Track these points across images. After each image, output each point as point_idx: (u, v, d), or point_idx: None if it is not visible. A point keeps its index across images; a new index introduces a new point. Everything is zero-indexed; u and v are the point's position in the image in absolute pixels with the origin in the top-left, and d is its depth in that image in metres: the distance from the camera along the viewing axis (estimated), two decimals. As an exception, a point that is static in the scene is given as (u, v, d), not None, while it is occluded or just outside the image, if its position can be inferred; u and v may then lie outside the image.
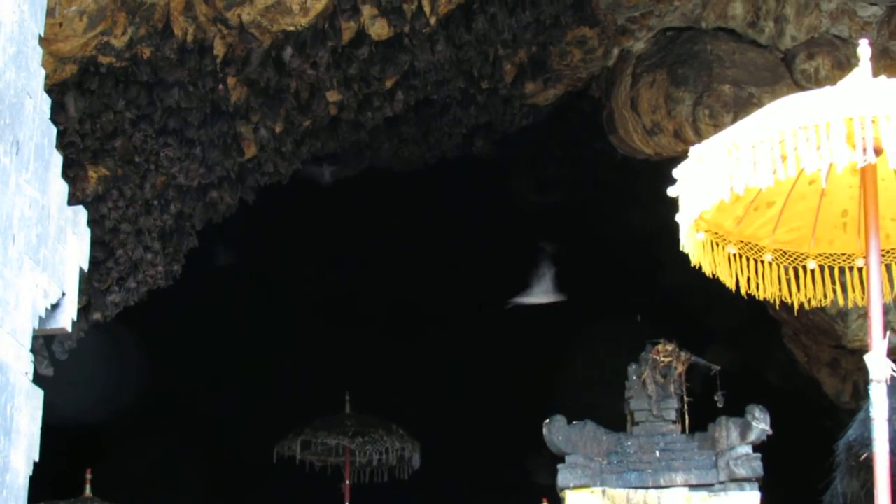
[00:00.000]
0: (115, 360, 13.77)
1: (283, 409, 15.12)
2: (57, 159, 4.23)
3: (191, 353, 16.17)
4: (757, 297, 6.25)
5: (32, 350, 4.01)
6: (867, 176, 5.42)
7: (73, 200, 4.36)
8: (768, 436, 9.57)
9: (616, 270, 15.24)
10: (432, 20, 10.13)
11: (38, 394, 3.99)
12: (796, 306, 6.23)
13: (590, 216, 15.48)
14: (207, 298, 15.73)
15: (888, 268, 6.10)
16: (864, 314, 11.19)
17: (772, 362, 15.10)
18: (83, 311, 10.34)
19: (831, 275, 6.17)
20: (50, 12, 7.37)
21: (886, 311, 5.56)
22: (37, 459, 3.91)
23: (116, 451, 13.04)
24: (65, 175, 4.28)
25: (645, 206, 12.93)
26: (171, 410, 16.22)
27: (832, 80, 5.70)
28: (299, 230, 15.58)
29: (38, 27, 4.18)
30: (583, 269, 15.52)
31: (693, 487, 9.37)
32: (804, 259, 6.15)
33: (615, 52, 11.96)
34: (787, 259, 6.15)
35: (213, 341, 16.36)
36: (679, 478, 9.41)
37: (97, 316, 10.65)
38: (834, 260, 6.17)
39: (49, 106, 4.21)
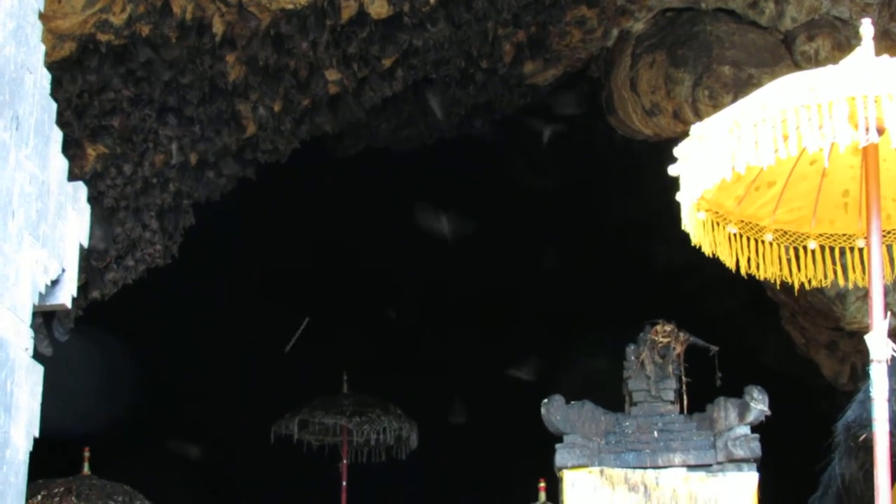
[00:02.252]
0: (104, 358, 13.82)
1: (280, 390, 15.15)
2: (57, 135, 4.22)
3: (185, 335, 16.17)
4: (757, 278, 6.25)
5: (32, 327, 4.01)
6: (869, 156, 5.41)
7: (71, 178, 4.35)
8: (766, 417, 9.59)
9: (613, 252, 15.22)
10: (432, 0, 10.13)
11: (38, 369, 3.99)
12: (796, 287, 6.24)
13: (587, 198, 15.45)
14: (204, 276, 15.72)
15: (889, 248, 6.10)
16: (862, 296, 11.24)
17: (768, 345, 15.12)
18: (82, 289, 10.33)
19: (832, 255, 6.17)
20: (49, -11, 7.33)
21: (887, 292, 5.56)
22: (37, 435, 3.92)
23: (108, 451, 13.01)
24: (63, 153, 4.27)
25: (642, 188, 12.92)
26: (166, 403, 16.25)
27: (832, 62, 5.67)
28: (297, 209, 15.57)
29: (37, 2, 4.16)
30: (580, 252, 15.52)
31: (691, 468, 9.39)
32: (805, 239, 6.15)
33: (614, 32, 11.93)
34: (788, 239, 6.15)
35: (209, 320, 16.36)
36: (677, 458, 9.43)
37: (96, 294, 10.65)
38: (835, 240, 6.17)
39: (49, 81, 4.20)
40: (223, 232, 13.63)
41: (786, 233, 6.14)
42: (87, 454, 11.95)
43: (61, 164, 4.24)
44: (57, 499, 11.35)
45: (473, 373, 16.18)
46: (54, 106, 4.19)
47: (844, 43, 10.70)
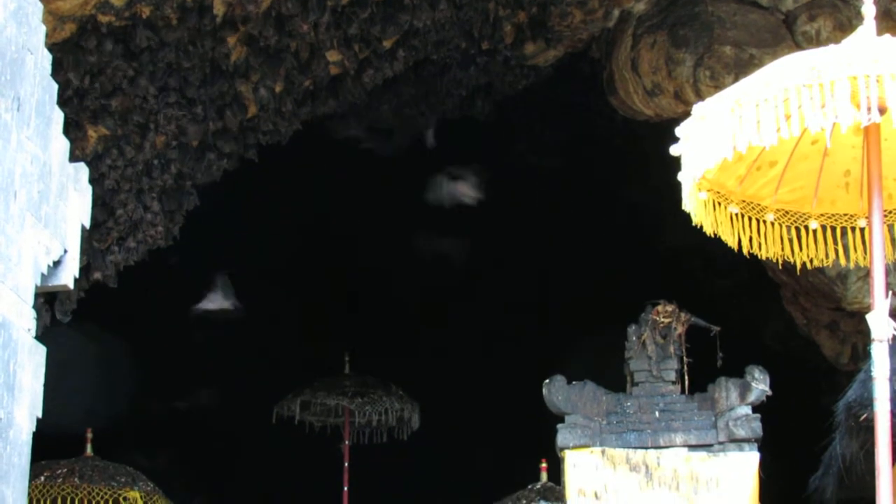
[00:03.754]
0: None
1: (281, 370, 15.18)
2: (58, 116, 4.21)
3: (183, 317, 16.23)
4: (759, 258, 6.25)
5: (35, 308, 4.01)
6: (871, 136, 5.41)
7: (73, 160, 4.34)
8: (767, 397, 9.60)
9: (616, 233, 15.24)
10: (433, -21, 10.11)
11: (41, 350, 3.99)
12: (798, 266, 6.24)
13: (585, 179, 15.45)
14: (204, 258, 15.75)
15: (890, 228, 6.10)
16: (863, 277, 11.25)
17: (770, 325, 15.14)
18: (84, 270, 10.34)
19: (833, 235, 6.17)
20: (49, -30, 7.33)
21: (888, 272, 5.56)
22: (40, 416, 3.92)
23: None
24: (65, 134, 4.27)
25: (644, 169, 12.92)
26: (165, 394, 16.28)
27: (834, 42, 5.66)
28: (298, 189, 15.58)
29: (38, -17, 4.15)
30: (581, 231, 15.53)
31: (692, 448, 9.40)
32: (806, 219, 6.15)
33: (616, 13, 11.90)
34: (789, 219, 6.15)
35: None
36: (678, 438, 9.44)
37: (97, 275, 10.65)
38: (836, 220, 6.17)
39: (50, 62, 4.19)
40: (223, 214, 13.63)
41: (787, 213, 6.14)
42: (89, 436, 12.00)
43: (63, 145, 4.23)
44: (60, 479, 11.39)
45: (475, 353, 16.23)
46: (55, 87, 4.19)
47: (846, 23, 10.68)
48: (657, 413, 9.58)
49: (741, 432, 9.39)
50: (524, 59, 12.32)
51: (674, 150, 5.49)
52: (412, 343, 16.43)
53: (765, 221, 6.10)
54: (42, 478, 11.28)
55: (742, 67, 10.69)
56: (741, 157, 5.43)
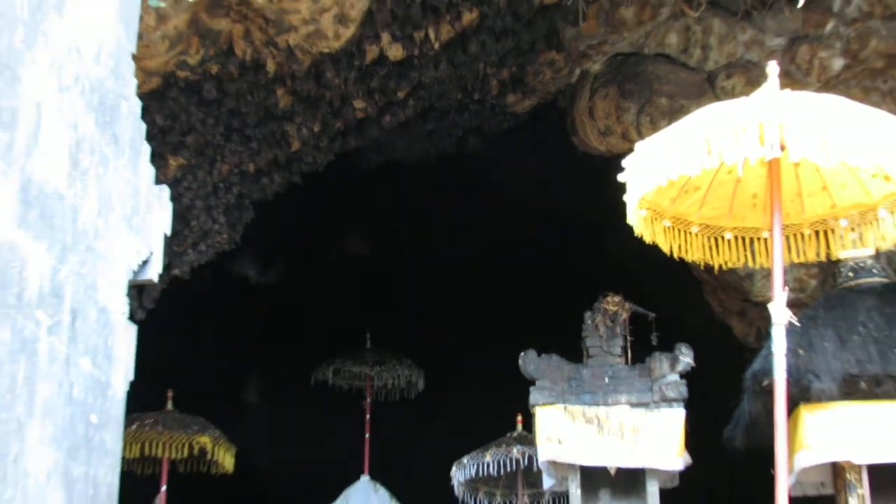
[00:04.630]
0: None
1: (317, 345, 15.16)
2: (146, 149, 4.20)
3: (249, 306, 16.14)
4: (686, 260, 6.25)
5: (128, 296, 4.00)
6: (773, 167, 5.41)
7: (157, 183, 4.33)
8: (691, 367, 9.59)
9: (574, 242, 15.20)
10: (436, 45, 10.07)
11: (132, 328, 3.98)
12: (716, 267, 6.24)
13: (554, 200, 15.41)
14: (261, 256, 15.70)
15: (787, 239, 6.10)
16: (766, 275, 11.23)
17: (694, 312, 15.10)
18: (165, 268, 10.33)
19: (743, 243, 6.17)
20: (140, 36, 7.31)
21: (785, 272, 5.56)
22: (132, 379, 3.91)
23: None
24: (151, 163, 4.26)
25: (598, 192, 12.89)
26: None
27: (745, 95, 5.66)
28: (331, 207, 15.56)
29: (131, 46, 4.14)
30: (548, 243, 15.50)
31: (633, 405, 9.41)
32: (722, 231, 6.15)
33: (577, 71, 11.90)
34: (710, 231, 6.15)
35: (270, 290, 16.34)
36: (623, 398, 9.44)
37: (176, 271, 10.65)
38: (746, 232, 6.18)
39: (140, 107, 4.18)
40: (274, 224, 13.60)
41: (708, 226, 6.14)
42: (170, 394, 11.98)
43: (149, 171, 4.22)
44: (147, 428, 11.39)
45: (470, 334, 16.20)
46: (144, 127, 4.17)
47: (755, 80, 10.65)
48: (606, 379, 9.58)
49: (671, 394, 9.39)
50: (506, 106, 12.32)
51: (621, 177, 5.49)
52: (421, 322, 16.38)
53: (690, 233, 6.10)
54: (133, 426, 11.28)
55: (674, 114, 10.68)
56: (672, 183, 5.43)
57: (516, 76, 11.72)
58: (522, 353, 9.74)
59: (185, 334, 14.44)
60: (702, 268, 8.27)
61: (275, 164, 10.95)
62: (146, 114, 8.81)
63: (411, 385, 14.88)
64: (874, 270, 9.42)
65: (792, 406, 8.53)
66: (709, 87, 11.25)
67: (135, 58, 4.18)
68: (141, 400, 8.23)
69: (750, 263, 6.18)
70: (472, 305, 16.29)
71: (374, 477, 13.89)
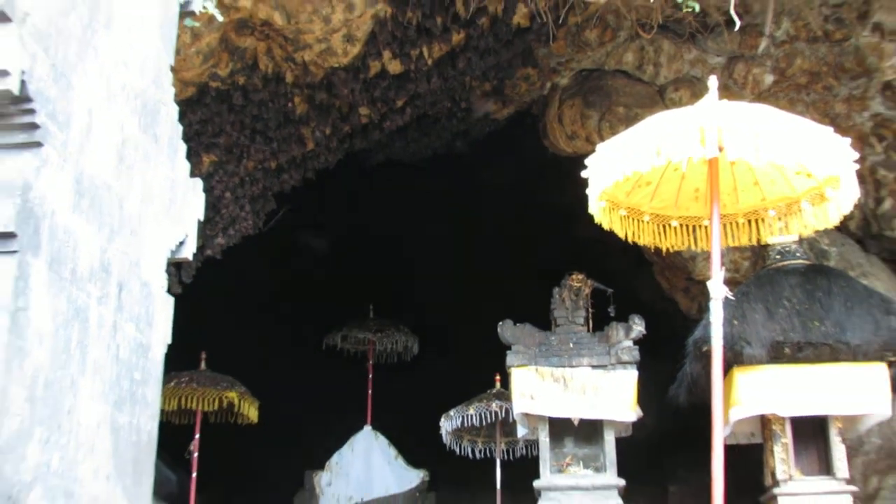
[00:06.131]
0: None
1: (326, 319, 15.12)
2: (182, 148, 4.19)
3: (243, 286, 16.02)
4: (638, 244, 6.25)
5: (167, 272, 3.99)
6: (712, 165, 5.41)
7: (192, 176, 4.32)
8: (643, 335, 9.61)
9: (546, 228, 15.20)
10: (429, 62, 10.03)
11: (170, 300, 3.97)
12: (664, 250, 6.25)
13: (528, 193, 15.40)
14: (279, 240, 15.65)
15: (724, 226, 6.11)
16: (706, 257, 11.26)
17: (645, 288, 15.13)
18: (199, 248, 10.31)
19: (687, 230, 6.18)
20: (178, 51, 7.27)
21: (722, 254, 5.57)
22: (169, 342, 3.91)
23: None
24: (187, 159, 4.25)
25: (566, 186, 12.88)
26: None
27: (690, 104, 5.66)
28: (338, 197, 15.49)
29: (169, 59, 4.12)
30: (523, 230, 15.49)
31: (594, 367, 9.42)
32: (670, 220, 6.15)
33: (548, 84, 11.87)
34: (659, 220, 6.15)
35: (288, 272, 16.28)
36: (585, 361, 9.46)
37: (208, 252, 10.62)
38: (689, 220, 6.18)
39: (177, 112, 4.16)
40: (291, 211, 13.55)
41: (657, 215, 6.14)
42: (203, 356, 11.95)
43: (185, 166, 4.21)
44: (183, 384, 11.36)
45: (457, 305, 16.19)
46: (180, 128, 4.16)
47: (699, 93, 10.62)
48: (571, 344, 9.60)
49: (626, 357, 9.41)
50: (489, 114, 12.30)
51: (584, 174, 5.49)
52: (417, 296, 16.37)
53: (643, 221, 6.11)
54: (171, 383, 11.25)
55: (630, 121, 10.65)
56: (627, 178, 5.42)
57: (497, 88, 11.69)
58: (500, 323, 9.75)
59: (218, 308, 14.39)
60: (652, 251, 8.30)
61: (293, 161, 10.91)
62: (183, 118, 8.75)
63: (408, 349, 14.90)
64: (798, 254, 9.47)
65: (727, 368, 8.58)
66: (660, 98, 11.25)
67: (173, 70, 4.17)
68: (178, 361, 8.22)
69: (693, 247, 6.19)
70: (459, 281, 16.28)
71: (376, 427, 13.93)
